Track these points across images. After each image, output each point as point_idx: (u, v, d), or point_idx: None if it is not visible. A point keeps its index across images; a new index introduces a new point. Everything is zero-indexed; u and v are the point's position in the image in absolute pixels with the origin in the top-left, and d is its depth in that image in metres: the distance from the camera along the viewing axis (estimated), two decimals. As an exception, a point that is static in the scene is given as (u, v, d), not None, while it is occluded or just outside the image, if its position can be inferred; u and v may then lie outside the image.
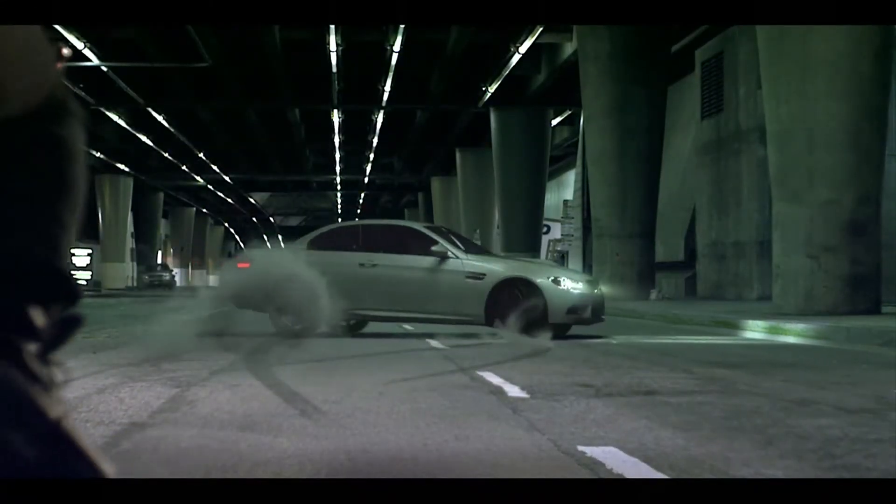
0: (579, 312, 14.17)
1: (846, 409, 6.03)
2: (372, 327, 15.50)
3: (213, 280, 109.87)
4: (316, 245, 15.52)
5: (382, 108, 45.16)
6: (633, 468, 4.03)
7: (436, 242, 14.80)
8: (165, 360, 9.25)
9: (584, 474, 4.00)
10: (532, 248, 43.10)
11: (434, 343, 12.44)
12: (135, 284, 69.63)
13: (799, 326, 14.84)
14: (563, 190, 55.98)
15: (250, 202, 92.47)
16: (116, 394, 6.55)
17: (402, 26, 32.22)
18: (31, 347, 1.38)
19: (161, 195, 78.59)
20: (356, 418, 5.48)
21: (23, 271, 1.38)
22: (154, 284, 68.03)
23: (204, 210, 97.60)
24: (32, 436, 1.33)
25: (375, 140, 54.23)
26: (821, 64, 18.07)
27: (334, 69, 38.04)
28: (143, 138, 52.02)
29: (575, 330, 14.89)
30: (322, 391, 6.74)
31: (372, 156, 60.76)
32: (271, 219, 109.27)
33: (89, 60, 33.88)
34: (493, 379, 7.68)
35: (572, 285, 14.29)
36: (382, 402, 6.20)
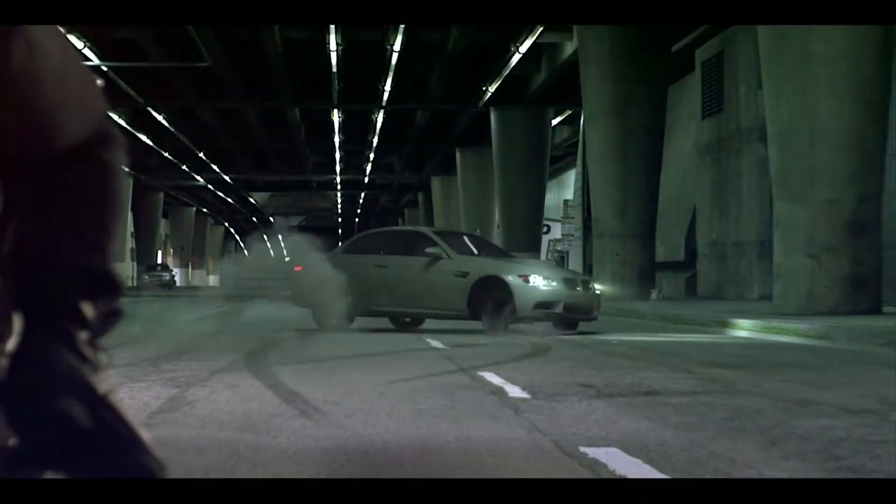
0: (548, 308, 15.15)
1: (849, 410, 6.00)
2: (373, 327, 15.68)
3: (212, 280, 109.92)
4: (348, 249, 17.80)
5: (382, 107, 45.13)
6: (635, 470, 4.01)
7: (435, 245, 16.21)
8: (188, 355, 9.23)
9: (586, 475, 3.97)
10: (532, 248, 43.06)
11: (434, 343, 12.42)
12: (135, 284, 69.60)
13: (799, 326, 14.81)
14: (564, 190, 55.97)
15: (250, 202, 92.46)
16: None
17: (402, 26, 32.19)
18: (83, 335, 1.68)
19: (161, 195, 78.54)
20: (356, 419, 5.45)
21: (76, 273, 1.70)
22: (155, 284, 68.02)
23: (204, 210, 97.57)
24: (86, 406, 1.64)
25: (375, 140, 54.21)
26: (822, 63, 18.04)
27: (334, 69, 38.02)
28: (143, 138, 52.00)
29: (582, 327, 15.69)
30: (322, 391, 6.71)
31: (372, 155, 60.73)
32: (271, 218, 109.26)
33: (89, 60, 33.87)
34: (494, 379, 7.65)
35: (542, 283, 15.28)
36: (383, 402, 6.17)
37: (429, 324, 17.03)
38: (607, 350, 11.60)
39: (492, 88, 41.31)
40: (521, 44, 34.89)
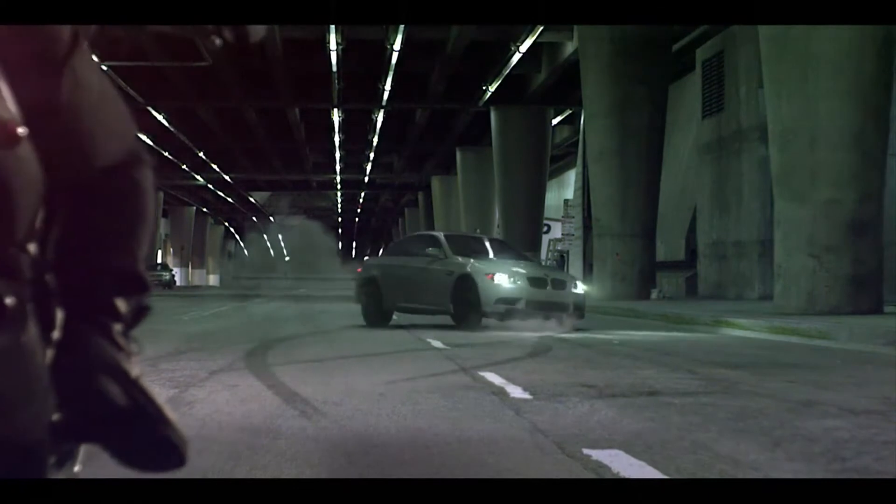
0: (510, 304, 16.46)
1: (852, 411, 5.95)
2: (378, 327, 15.67)
3: (212, 280, 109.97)
4: (389, 252, 20.21)
5: (382, 107, 45.09)
6: (639, 472, 3.96)
7: (438, 246, 17.96)
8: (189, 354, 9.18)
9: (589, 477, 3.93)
10: (532, 248, 43.03)
11: (435, 343, 12.37)
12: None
13: (801, 326, 14.77)
14: (564, 189, 55.96)
15: (250, 201, 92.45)
16: (114, 394, 6.47)
17: (403, 25, 32.16)
18: (117, 327, 2.05)
19: (161, 194, 78.51)
20: (356, 420, 5.40)
21: (110, 274, 2.07)
22: (154, 284, 67.91)
23: (204, 209, 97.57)
24: (120, 387, 1.99)
25: (375, 139, 54.18)
26: (823, 63, 18.00)
27: (334, 68, 37.98)
28: (143, 137, 51.99)
29: (582, 325, 15.67)
30: (322, 392, 6.67)
31: (372, 155, 60.70)
32: (271, 218, 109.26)
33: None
34: (495, 379, 7.60)
35: (506, 281, 16.63)
36: (383, 403, 6.12)
37: (430, 323, 17.33)
38: (608, 350, 11.56)
39: (492, 88, 41.27)
40: (522, 43, 34.87)
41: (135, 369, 2.05)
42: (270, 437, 4.76)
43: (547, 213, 48.01)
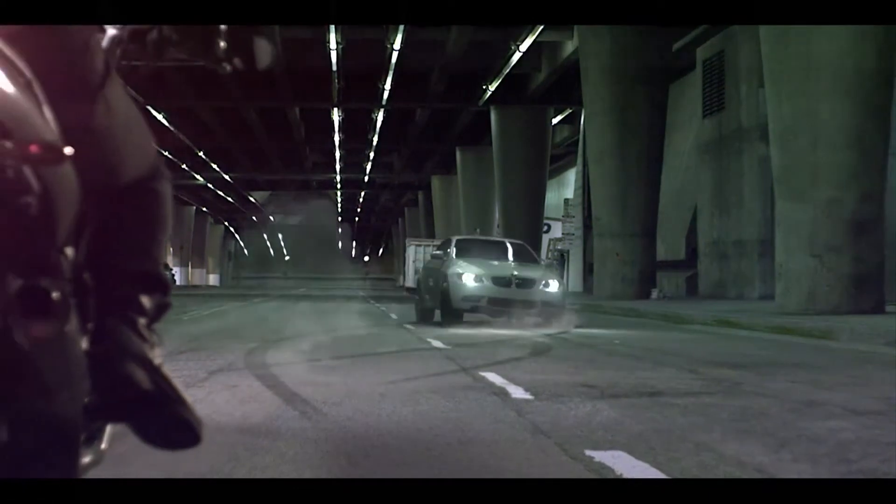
0: (475, 301, 18.07)
1: (856, 411, 5.91)
2: (378, 327, 15.64)
3: (212, 279, 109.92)
4: (433, 255, 21.42)
5: (382, 106, 45.04)
6: (642, 474, 3.92)
7: (447, 248, 20.05)
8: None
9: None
10: (532, 247, 42.97)
11: (435, 343, 12.33)
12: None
13: (802, 325, 14.73)
14: (564, 189, 55.91)
15: (250, 201, 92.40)
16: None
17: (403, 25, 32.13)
18: (142, 321, 2.32)
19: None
20: (357, 421, 5.36)
21: (135, 274, 2.35)
22: None
23: (204, 209, 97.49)
24: (145, 373, 2.25)
25: (375, 138, 54.13)
26: (824, 62, 17.96)
27: (334, 67, 37.92)
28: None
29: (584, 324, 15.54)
30: (322, 392, 6.62)
31: (372, 154, 60.65)
32: (271, 217, 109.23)
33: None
34: (496, 379, 7.56)
35: (471, 280, 18.19)
36: (384, 404, 6.08)
37: (430, 323, 17.12)
38: (609, 350, 11.52)
39: (492, 87, 41.24)
40: (522, 42, 34.83)
41: (157, 358, 2.33)
42: (270, 439, 4.72)
43: (547, 213, 47.96)
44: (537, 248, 44.51)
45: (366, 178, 73.79)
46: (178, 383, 2.58)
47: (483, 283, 18.11)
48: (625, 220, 30.25)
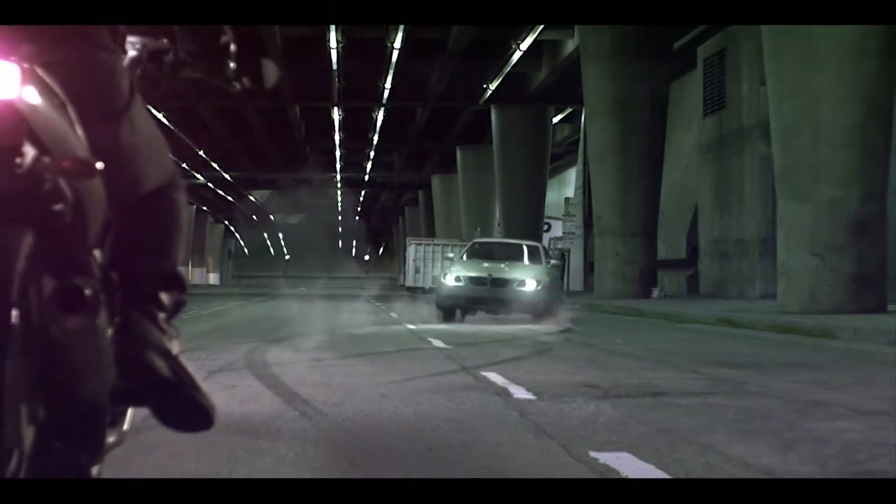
0: (454, 300, 19.61)
1: (862, 412, 5.86)
2: (379, 326, 15.61)
3: (212, 278, 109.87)
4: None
5: (383, 105, 44.98)
6: (648, 476, 3.86)
7: (458, 250, 22.34)
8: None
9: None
10: (533, 247, 42.89)
11: (436, 342, 12.27)
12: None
13: (804, 325, 14.68)
14: (565, 188, 55.86)
15: (250, 200, 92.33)
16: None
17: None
18: (161, 315, 2.59)
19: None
20: (358, 422, 5.30)
21: (155, 273, 2.62)
22: None
23: (204, 208, 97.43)
24: (164, 361, 2.54)
25: (376, 138, 54.07)
26: (826, 61, 17.90)
27: (335, 66, 37.86)
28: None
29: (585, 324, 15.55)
30: (322, 392, 6.56)
31: (372, 153, 60.60)
32: (271, 216, 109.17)
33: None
34: (497, 379, 7.50)
35: (451, 280, 19.77)
36: (385, 404, 6.02)
37: (431, 323, 17.27)
38: (611, 349, 11.47)
39: (492, 86, 41.18)
40: (522, 41, 34.78)
41: (175, 348, 2.63)
42: (270, 440, 4.66)
43: (547, 212, 47.91)
44: (538, 247, 44.40)
45: (366, 178, 73.72)
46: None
47: (461, 283, 19.64)
48: (626, 219, 30.19)
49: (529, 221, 45.15)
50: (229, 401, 6.11)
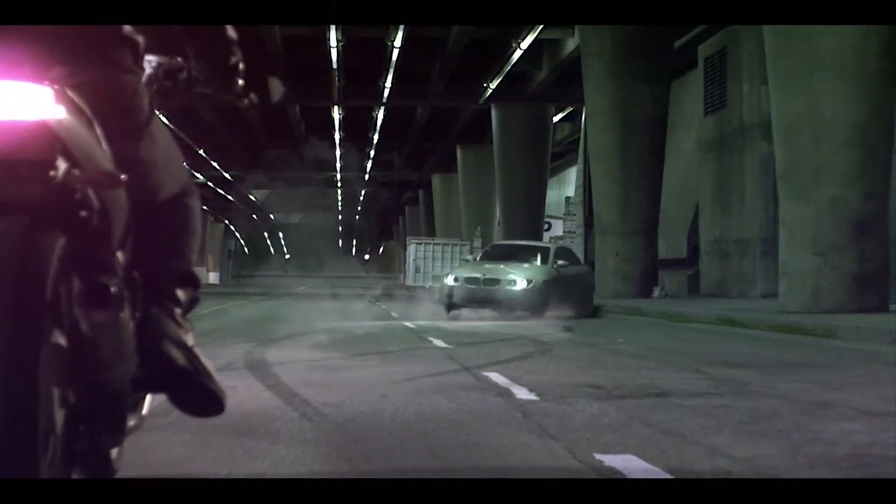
0: (449, 298, 21.11)
1: (869, 413, 5.78)
2: (379, 326, 15.57)
3: (212, 278, 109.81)
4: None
5: (383, 104, 44.91)
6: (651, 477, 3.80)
7: (471, 253, 23.79)
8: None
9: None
10: (533, 246, 42.80)
11: (437, 342, 12.21)
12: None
13: (806, 324, 14.62)
14: (565, 187, 55.78)
15: (250, 199, 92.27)
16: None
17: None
18: (178, 310, 2.86)
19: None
20: (359, 423, 5.23)
21: (171, 272, 2.86)
22: None
23: (204, 207, 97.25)
24: (181, 352, 2.77)
25: (376, 137, 54.00)
26: (828, 59, 17.82)
27: (335, 65, 37.79)
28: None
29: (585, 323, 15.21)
30: (323, 393, 6.50)
31: (372, 152, 60.52)
32: (271, 216, 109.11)
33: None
34: (499, 379, 7.44)
35: (451, 281, 21.52)
36: (386, 405, 5.95)
37: (432, 322, 17.26)
38: (613, 349, 11.40)
39: (493, 85, 41.10)
40: (523, 40, 34.71)
41: (190, 340, 2.89)
42: (269, 442, 4.59)
43: (548, 211, 47.83)
44: (538, 246, 44.30)
45: (366, 177, 73.65)
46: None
47: (458, 283, 21.13)
48: (626, 219, 30.11)
49: (530, 221, 45.08)
50: (228, 401, 6.03)
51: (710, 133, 31.46)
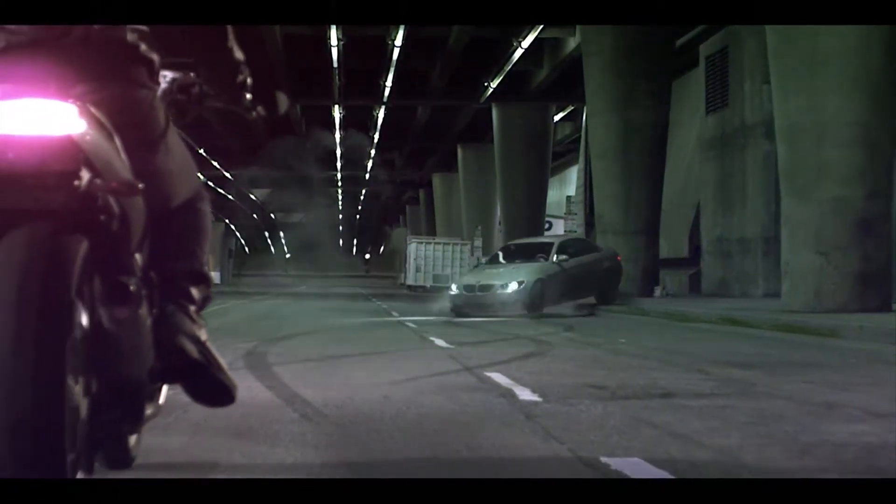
0: (454, 303, 22.25)
1: (877, 414, 5.70)
2: (380, 326, 15.50)
3: (213, 277, 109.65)
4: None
5: (383, 103, 44.83)
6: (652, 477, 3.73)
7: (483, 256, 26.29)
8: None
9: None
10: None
11: (438, 342, 12.14)
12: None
13: (810, 324, 14.54)
14: (566, 187, 55.71)
15: (251, 198, 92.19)
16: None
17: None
18: (192, 307, 3.07)
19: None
20: (359, 424, 5.15)
21: (185, 272, 3.09)
22: None
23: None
24: (195, 346, 3.00)
25: (376, 136, 53.92)
26: (831, 57, 17.74)
27: (335, 64, 37.72)
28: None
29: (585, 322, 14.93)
30: (323, 393, 6.42)
31: (373, 152, 60.44)
32: (272, 215, 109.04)
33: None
34: (502, 380, 7.36)
35: (455, 289, 22.97)
36: (387, 406, 5.87)
37: (431, 323, 17.03)
38: (615, 349, 11.32)
39: (494, 84, 41.03)
40: (524, 39, 34.64)
41: (203, 335, 3.10)
42: (268, 444, 4.51)
43: (549, 210, 47.75)
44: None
45: (367, 176, 73.58)
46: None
47: (458, 291, 22.55)
48: (627, 218, 30.02)
49: (531, 220, 45.00)
50: (228, 403, 5.96)
51: (712, 132, 31.38)
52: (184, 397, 3.26)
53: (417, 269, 47.19)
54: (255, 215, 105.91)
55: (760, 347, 12.04)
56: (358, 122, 52.07)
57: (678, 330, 16.17)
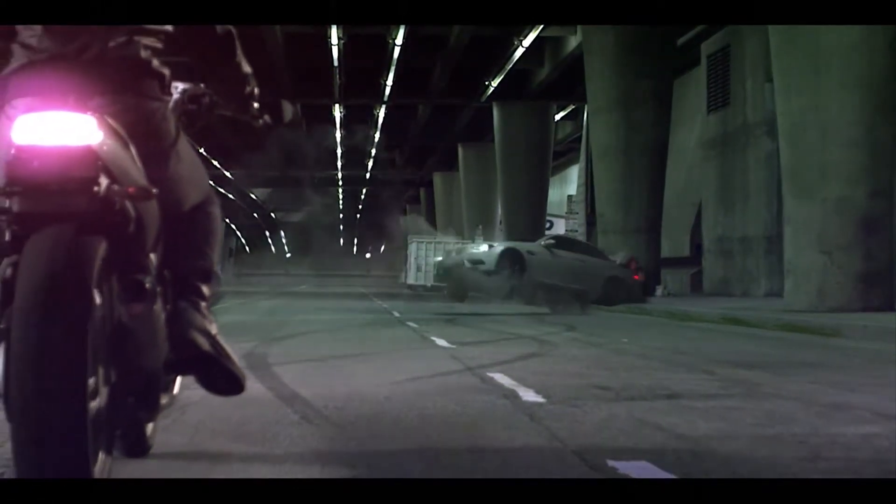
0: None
1: (886, 415, 5.61)
2: (381, 325, 15.43)
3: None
4: None
5: (384, 102, 44.76)
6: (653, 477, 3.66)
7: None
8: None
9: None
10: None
11: (439, 341, 12.05)
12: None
13: (813, 323, 14.47)
14: (567, 186, 55.64)
15: (251, 197, 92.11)
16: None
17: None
18: (203, 304, 3.33)
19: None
20: (360, 426, 5.06)
21: (197, 271, 3.36)
22: None
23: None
24: (206, 339, 3.28)
25: (377, 135, 53.85)
26: (833, 56, 17.68)
27: (336, 63, 37.64)
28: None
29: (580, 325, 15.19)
30: (323, 394, 6.33)
31: (373, 151, 60.37)
32: (272, 214, 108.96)
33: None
34: (504, 381, 7.26)
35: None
36: (388, 407, 5.78)
37: (433, 323, 17.03)
38: (618, 349, 11.23)
39: (494, 83, 40.97)
40: (525, 38, 34.57)
41: (213, 329, 3.35)
42: (268, 446, 4.43)
43: (550, 210, 47.70)
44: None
45: (367, 175, 73.52)
46: (182, 382, 3.74)
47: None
48: (629, 217, 29.97)
49: (531, 219, 44.92)
50: (225, 403, 5.85)
51: (714, 131, 31.31)
52: (181, 397, 3.54)
53: (418, 269, 47.10)
54: (255, 214, 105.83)
55: (764, 347, 11.96)
56: (359, 121, 51.97)
57: (681, 329, 16.08)
